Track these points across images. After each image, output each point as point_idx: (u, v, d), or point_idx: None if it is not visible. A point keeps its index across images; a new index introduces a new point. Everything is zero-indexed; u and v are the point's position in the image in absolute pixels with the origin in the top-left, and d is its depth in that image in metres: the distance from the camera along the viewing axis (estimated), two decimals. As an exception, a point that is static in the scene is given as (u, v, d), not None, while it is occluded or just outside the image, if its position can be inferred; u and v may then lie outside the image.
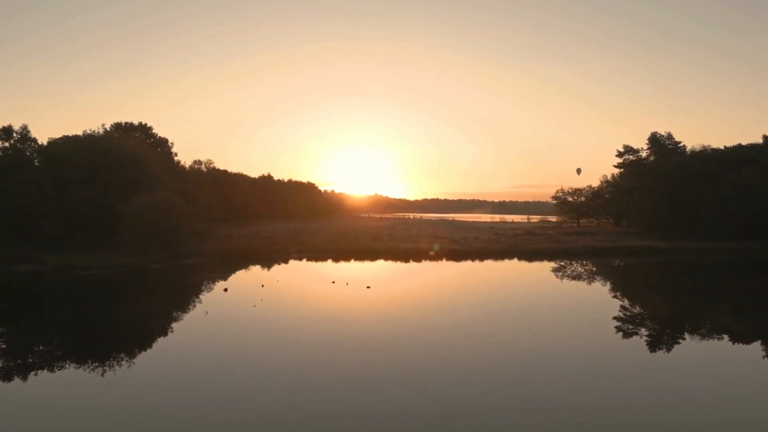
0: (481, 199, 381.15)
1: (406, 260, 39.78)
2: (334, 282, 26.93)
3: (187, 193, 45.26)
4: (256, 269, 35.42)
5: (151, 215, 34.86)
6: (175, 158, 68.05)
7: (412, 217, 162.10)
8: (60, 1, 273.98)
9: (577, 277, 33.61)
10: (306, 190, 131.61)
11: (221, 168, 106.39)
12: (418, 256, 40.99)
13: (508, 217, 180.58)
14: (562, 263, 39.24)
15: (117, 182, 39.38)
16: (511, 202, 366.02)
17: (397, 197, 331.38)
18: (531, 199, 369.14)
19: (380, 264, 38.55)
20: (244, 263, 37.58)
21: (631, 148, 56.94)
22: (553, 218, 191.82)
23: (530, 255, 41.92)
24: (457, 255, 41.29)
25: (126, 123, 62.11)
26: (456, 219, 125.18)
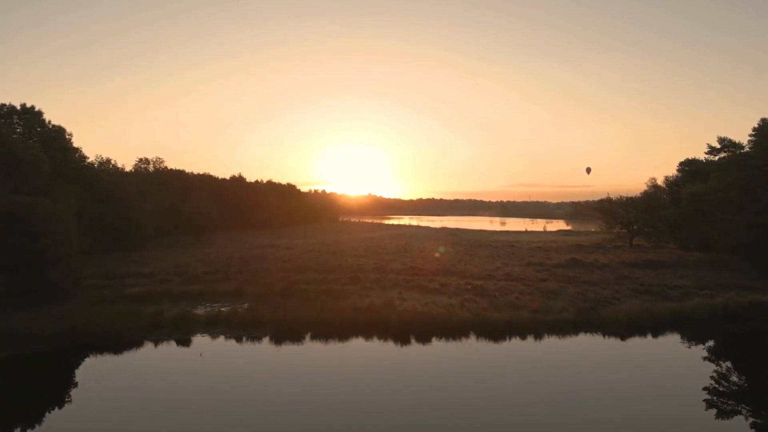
0: (478, 198, 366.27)
1: (404, 340, 21.91)
2: None
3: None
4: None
5: None
6: (83, 155, 49.63)
7: (408, 222, 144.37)
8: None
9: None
10: (284, 193, 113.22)
11: (177, 168, 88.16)
12: (422, 327, 22.99)
13: (514, 223, 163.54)
14: (706, 353, 21.59)
15: None
16: (509, 202, 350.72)
17: (392, 197, 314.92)
18: (528, 199, 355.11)
19: (353, 356, 20.59)
20: (94, 353, 19.64)
21: (731, 141, 39.31)
22: (557, 222, 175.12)
23: (620, 325, 24.01)
24: (491, 327, 23.22)
25: (3, 105, 43.69)
26: (460, 228, 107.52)
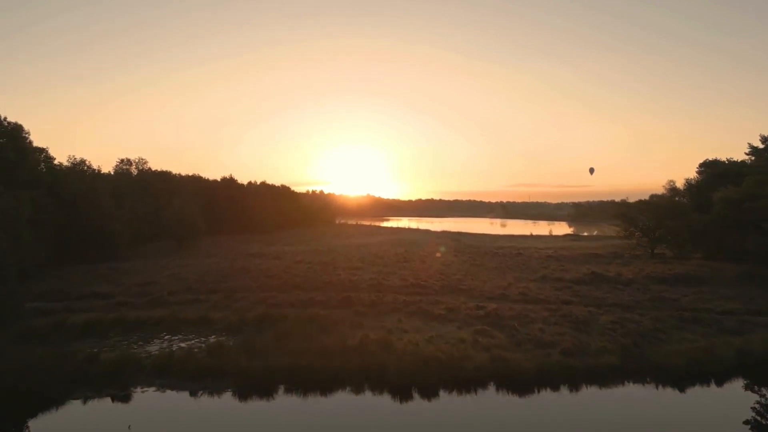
0: (478, 199, 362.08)
1: (404, 394, 17.08)
2: None
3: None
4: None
5: None
6: (49, 156, 44.79)
7: (407, 225, 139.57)
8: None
9: None
10: (279, 194, 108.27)
11: (165, 169, 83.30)
12: (427, 374, 18.16)
13: (516, 225, 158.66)
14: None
15: None
16: (509, 202, 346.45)
17: (391, 197, 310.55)
18: (528, 199, 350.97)
19: (336, 421, 15.72)
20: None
21: (777, 140, 34.56)
22: (559, 224, 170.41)
23: (680, 371, 19.17)
24: (514, 374, 18.39)
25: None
26: (461, 231, 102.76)
